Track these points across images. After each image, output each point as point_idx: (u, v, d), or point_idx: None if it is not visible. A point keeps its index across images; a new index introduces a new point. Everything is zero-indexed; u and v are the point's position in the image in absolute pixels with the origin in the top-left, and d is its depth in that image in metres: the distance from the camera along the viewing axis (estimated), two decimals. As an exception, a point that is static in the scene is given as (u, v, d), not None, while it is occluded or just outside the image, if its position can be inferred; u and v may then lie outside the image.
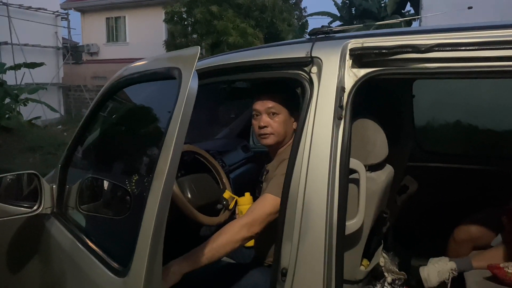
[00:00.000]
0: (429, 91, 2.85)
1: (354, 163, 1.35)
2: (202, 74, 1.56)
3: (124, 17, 19.07)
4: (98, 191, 1.55)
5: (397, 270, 1.85)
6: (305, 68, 1.39)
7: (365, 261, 1.57)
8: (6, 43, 14.28)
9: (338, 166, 1.30)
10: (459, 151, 2.66)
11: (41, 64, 10.95)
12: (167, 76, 1.24)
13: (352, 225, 1.36)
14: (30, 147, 8.86)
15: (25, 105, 10.59)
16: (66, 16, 17.96)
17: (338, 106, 1.33)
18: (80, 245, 1.45)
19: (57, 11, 17.11)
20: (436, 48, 1.24)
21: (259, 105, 1.68)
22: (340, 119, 1.32)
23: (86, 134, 1.73)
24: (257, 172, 1.89)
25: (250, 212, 1.54)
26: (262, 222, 1.52)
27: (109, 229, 1.52)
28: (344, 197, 1.30)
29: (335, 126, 1.32)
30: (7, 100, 10.33)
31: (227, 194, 1.89)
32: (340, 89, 1.33)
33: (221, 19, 11.87)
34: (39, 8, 15.90)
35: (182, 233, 2.01)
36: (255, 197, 1.84)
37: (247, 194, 1.81)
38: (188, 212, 1.75)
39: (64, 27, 18.21)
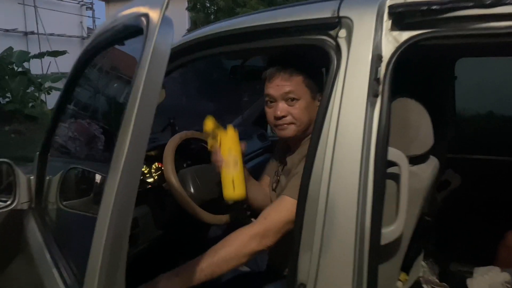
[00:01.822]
0: (473, 71, 2.48)
1: (393, 154, 1.05)
2: (205, 43, 1.29)
3: (148, 6, 18.92)
4: (83, 183, 1.30)
5: (438, 281, 1.57)
6: (331, 32, 1.09)
7: (403, 275, 1.28)
8: (32, 32, 14.38)
9: (372, 158, 1.01)
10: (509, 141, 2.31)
11: (63, 52, 10.92)
12: (134, 30, 0.90)
13: (389, 233, 1.07)
14: (53, 135, 8.83)
15: (48, 93, 10.59)
16: (91, 6, 17.99)
17: (374, 79, 1.03)
18: (45, 251, 1.20)
19: (82, 1, 17.17)
20: (508, 1, 0.93)
21: (273, 90, 1.35)
22: (376, 96, 1.03)
23: (64, 116, 1.48)
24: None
25: (263, 218, 1.25)
26: (277, 232, 1.24)
27: (85, 232, 1.27)
28: (380, 197, 1.01)
29: (369, 106, 1.02)
30: (31, 88, 10.35)
31: (209, 123, 1.39)
32: (376, 58, 1.03)
33: (244, 6, 11.62)
34: (65, -2, 15.96)
35: (187, 234, 1.75)
36: (268, 194, 1.56)
37: (230, 129, 1.41)
38: (189, 209, 1.49)
39: (89, 16, 18.21)
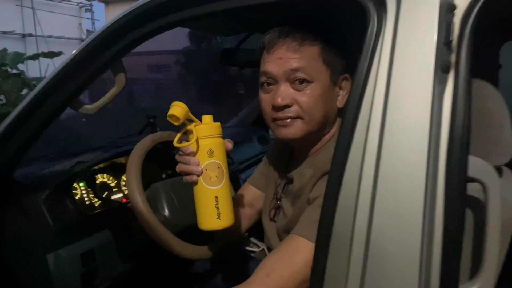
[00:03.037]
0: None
1: (476, 166, 0.64)
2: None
3: (149, 7, 18.66)
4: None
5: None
6: None
7: None
8: (30, 34, 14.11)
9: (442, 174, 0.60)
10: None
11: (59, 54, 10.44)
12: None
13: (469, 295, 0.66)
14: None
15: (43, 96, 10.27)
16: (90, 8, 17.72)
17: (443, 44, 0.62)
18: None
19: (81, 2, 16.92)
20: None
21: (274, 65, 0.89)
22: (447, 71, 0.62)
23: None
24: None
25: (264, 275, 0.81)
26: None
27: None
28: (456, 239, 0.60)
29: (437, 87, 0.62)
30: (25, 90, 10.02)
31: (178, 108, 0.85)
32: (446, 9, 0.63)
33: None
34: (63, 0, 15.69)
35: (163, 270, 1.35)
36: (265, 223, 1.11)
37: (209, 119, 0.90)
38: (160, 241, 1.07)
39: (88, 18, 17.93)
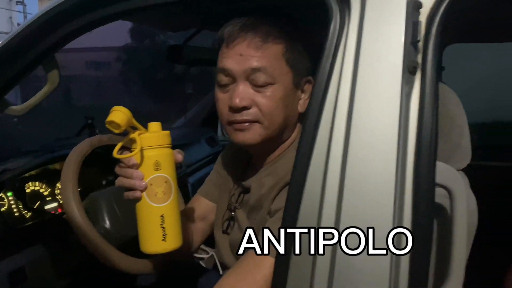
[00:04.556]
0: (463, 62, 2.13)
1: (443, 172, 0.61)
2: None
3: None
4: None
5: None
6: None
7: None
8: (-48, 27, 13.02)
9: (410, 179, 0.57)
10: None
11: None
12: None
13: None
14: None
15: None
16: (21, 0, 16.66)
17: (410, 44, 0.59)
18: None
19: (12, -5, 15.87)
20: None
21: (233, 61, 0.82)
22: (414, 72, 0.59)
23: None
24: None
25: None
26: None
27: None
28: (424, 245, 0.57)
29: (404, 89, 0.59)
30: None
31: (119, 114, 0.75)
32: (413, 7, 0.60)
33: None
34: (-9, -10, 14.66)
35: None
36: (217, 235, 1.02)
37: (156, 126, 0.78)
38: (98, 255, 0.96)
39: (20, 11, 16.86)
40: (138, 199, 0.76)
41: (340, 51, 0.62)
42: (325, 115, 0.62)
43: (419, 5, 0.60)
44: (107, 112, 0.75)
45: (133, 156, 0.74)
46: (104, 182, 1.35)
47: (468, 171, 0.76)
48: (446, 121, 0.73)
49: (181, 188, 1.03)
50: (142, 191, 0.74)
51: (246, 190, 0.90)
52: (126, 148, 0.77)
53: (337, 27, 0.63)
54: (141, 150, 0.74)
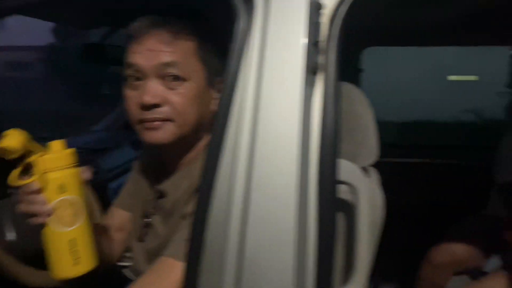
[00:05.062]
0: (381, 63, 2.25)
1: (345, 169, 0.63)
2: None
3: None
4: None
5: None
6: None
7: None
8: None
9: (313, 177, 0.59)
10: (421, 141, 2.11)
11: None
12: None
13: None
14: None
15: None
16: None
17: (312, 44, 0.60)
18: None
19: None
20: None
21: (142, 57, 0.78)
22: (316, 72, 0.60)
23: None
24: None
25: None
26: None
27: None
28: (327, 242, 0.59)
29: (306, 89, 0.60)
30: None
31: (14, 138, 0.69)
32: (315, 8, 0.61)
33: None
34: None
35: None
36: (132, 243, 0.97)
37: (58, 145, 0.72)
38: (1, 269, 0.89)
39: None
40: (43, 226, 0.70)
41: (246, 51, 0.62)
42: (233, 116, 0.62)
43: (320, 6, 0.61)
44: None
45: (33, 182, 0.68)
46: (9, 191, 1.25)
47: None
48: (352, 121, 0.76)
49: (102, 194, 0.97)
50: (47, 216, 0.69)
51: (162, 195, 0.87)
52: (26, 173, 0.70)
53: (243, 27, 0.63)
54: (43, 174, 0.69)
